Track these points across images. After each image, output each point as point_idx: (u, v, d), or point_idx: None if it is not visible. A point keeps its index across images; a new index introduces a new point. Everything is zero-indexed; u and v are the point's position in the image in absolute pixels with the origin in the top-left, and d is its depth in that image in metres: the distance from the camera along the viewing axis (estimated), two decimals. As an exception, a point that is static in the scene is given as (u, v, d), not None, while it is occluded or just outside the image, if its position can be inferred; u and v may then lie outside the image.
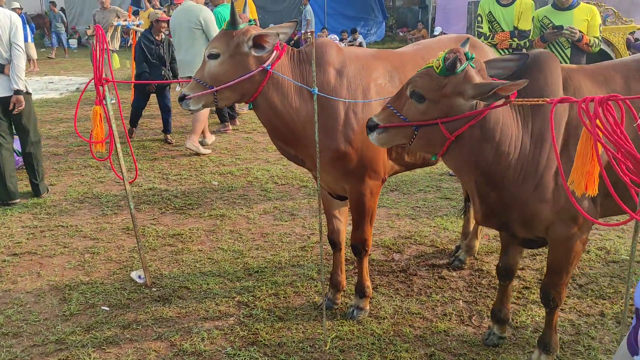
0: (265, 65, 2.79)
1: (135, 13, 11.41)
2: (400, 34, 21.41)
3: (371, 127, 2.38)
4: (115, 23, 9.31)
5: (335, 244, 3.40)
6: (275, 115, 2.89)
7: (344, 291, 3.54)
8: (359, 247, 3.23)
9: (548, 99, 2.08)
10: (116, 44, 9.77)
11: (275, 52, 2.85)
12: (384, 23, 21.48)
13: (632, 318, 1.17)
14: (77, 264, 4.06)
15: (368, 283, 3.36)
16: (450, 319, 3.31)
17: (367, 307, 3.36)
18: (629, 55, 8.04)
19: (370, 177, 3.01)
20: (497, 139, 2.31)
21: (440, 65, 2.18)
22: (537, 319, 3.26)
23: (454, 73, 2.18)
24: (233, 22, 2.81)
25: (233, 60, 2.81)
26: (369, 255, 4.11)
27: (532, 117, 2.38)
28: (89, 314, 3.42)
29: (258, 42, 2.79)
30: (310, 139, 2.87)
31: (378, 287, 3.68)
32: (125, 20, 9.59)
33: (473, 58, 2.24)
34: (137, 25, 9.92)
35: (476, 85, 2.17)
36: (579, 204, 2.32)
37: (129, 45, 10.76)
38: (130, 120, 7.79)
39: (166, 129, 7.58)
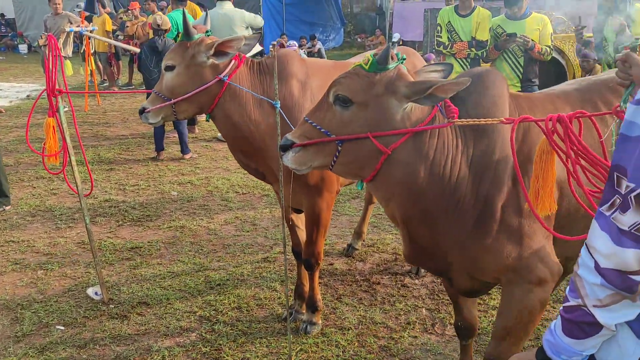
0: (222, 75, 2.76)
1: (89, 19, 11.12)
2: (359, 40, 21.58)
3: (284, 147, 1.99)
4: (67, 29, 9.04)
5: (299, 255, 3.37)
6: (233, 127, 2.86)
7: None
8: (311, 261, 3.20)
9: (505, 119, 1.90)
10: (69, 51, 9.49)
11: (233, 62, 2.82)
12: (342, 29, 21.62)
13: None
14: (30, 282, 3.90)
15: (319, 297, 3.34)
16: (413, 327, 3.32)
17: (320, 322, 3.33)
18: (579, 62, 8.32)
19: (327, 190, 3.01)
20: (431, 156, 1.97)
21: (369, 61, 1.91)
22: (498, 324, 3.31)
23: (385, 68, 1.91)
24: (187, 34, 2.79)
25: (188, 71, 2.79)
26: (332, 265, 4.11)
27: (475, 142, 2.03)
28: (43, 334, 3.28)
29: (221, 50, 2.76)
30: (270, 153, 2.85)
31: (342, 297, 3.67)
32: (78, 26, 9.33)
33: (405, 59, 1.99)
34: (91, 31, 9.68)
35: (411, 83, 1.89)
36: (544, 256, 2.05)
37: (82, 51, 10.47)
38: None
39: (182, 149, 7.04)
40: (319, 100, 2.06)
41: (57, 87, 3.19)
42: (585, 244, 1.18)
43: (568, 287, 1.23)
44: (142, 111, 2.89)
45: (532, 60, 5.35)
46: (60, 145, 3.36)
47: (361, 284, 3.84)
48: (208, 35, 2.84)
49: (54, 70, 3.14)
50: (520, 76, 5.36)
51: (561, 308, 1.25)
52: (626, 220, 1.09)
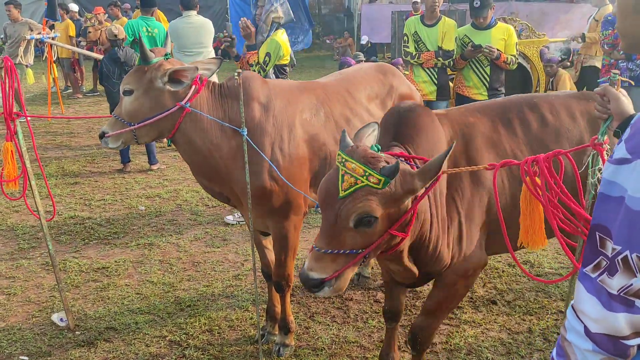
0: (183, 102, 2.70)
1: (51, 26, 10.82)
2: (327, 41, 21.59)
3: (317, 286, 1.93)
4: (28, 36, 8.79)
5: (270, 277, 3.33)
6: (195, 152, 2.81)
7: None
8: (282, 283, 3.14)
9: (489, 165, 1.98)
10: (30, 58, 9.23)
11: (193, 87, 2.76)
12: (310, 31, 21.58)
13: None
14: (-9, 308, 3.77)
15: (291, 318, 3.30)
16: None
17: (293, 343, 3.29)
18: (543, 67, 8.47)
19: (294, 212, 2.96)
20: (422, 210, 2.18)
21: (381, 180, 1.86)
22: (469, 340, 3.33)
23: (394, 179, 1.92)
24: (144, 58, 2.72)
25: (147, 96, 2.73)
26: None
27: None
28: (6, 366, 3.17)
29: (175, 77, 2.71)
30: (233, 177, 2.81)
31: (315, 315, 3.64)
32: (39, 33, 9.07)
33: (380, 149, 2.02)
34: (53, 38, 9.42)
35: (420, 174, 1.93)
36: (474, 255, 2.46)
37: (44, 58, 10.19)
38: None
39: (150, 160, 6.96)
40: (325, 229, 1.95)
41: (14, 110, 3.08)
42: (572, 307, 1.14)
43: (555, 351, 1.19)
44: (102, 135, 2.83)
45: (497, 69, 5.42)
46: (19, 169, 3.24)
47: (334, 300, 3.82)
48: (167, 59, 2.78)
49: (10, 93, 3.03)
50: (487, 85, 5.43)
51: None
52: (615, 283, 1.06)
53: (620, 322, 1.05)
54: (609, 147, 1.81)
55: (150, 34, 7.32)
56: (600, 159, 1.81)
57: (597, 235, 1.09)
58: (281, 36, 4.62)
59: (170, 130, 2.75)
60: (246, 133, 2.53)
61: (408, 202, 1.99)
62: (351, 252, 1.92)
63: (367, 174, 1.86)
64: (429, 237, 2.28)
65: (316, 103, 3.02)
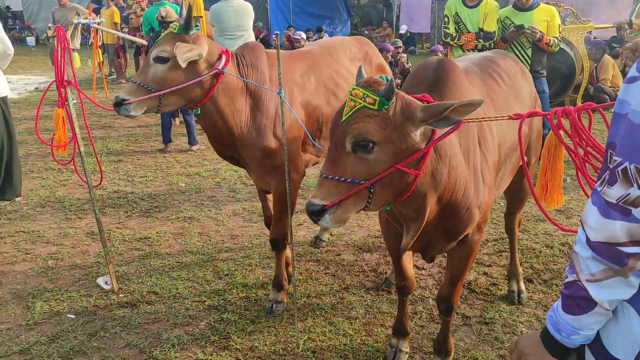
0: (219, 68, 2.83)
1: (96, 11, 11.14)
2: (366, 32, 21.51)
3: (317, 212, 1.86)
4: (75, 21, 9.08)
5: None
6: (221, 119, 2.94)
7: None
8: (278, 241, 3.31)
9: (514, 115, 1.93)
10: (77, 43, 9.54)
11: (223, 56, 2.90)
12: (349, 21, 21.56)
13: None
14: (41, 271, 3.95)
15: (285, 276, 3.48)
16: (420, 317, 3.34)
17: (285, 300, 3.45)
18: (587, 52, 8.25)
19: (293, 171, 3.13)
20: (448, 154, 2.11)
21: (376, 100, 1.85)
22: (504, 315, 3.33)
23: (391, 101, 1.87)
24: (187, 26, 2.80)
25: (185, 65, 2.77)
26: (340, 255, 4.13)
27: (459, 133, 2.18)
28: (54, 323, 3.32)
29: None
30: (245, 141, 3.00)
31: (349, 287, 3.69)
32: (85, 18, 9.36)
33: (388, 79, 1.97)
34: (99, 24, 9.71)
35: (426, 107, 1.90)
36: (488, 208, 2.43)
37: (90, 43, 10.50)
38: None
39: (190, 141, 7.19)
40: (329, 156, 1.95)
41: (65, 78, 3.22)
42: (581, 220, 1.22)
43: (568, 265, 1.27)
44: (119, 104, 2.72)
45: (539, 51, 5.33)
46: (69, 136, 3.39)
47: (368, 274, 3.86)
48: (197, 29, 2.89)
49: (62, 61, 3.17)
50: (529, 67, 5.34)
51: (562, 286, 1.29)
52: (614, 193, 1.13)
53: (617, 229, 1.12)
54: None
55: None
56: None
57: (609, 153, 1.17)
58: None
59: (201, 100, 2.84)
60: (283, 95, 2.62)
61: (416, 136, 1.92)
62: (353, 181, 1.87)
63: (365, 95, 1.87)
64: (461, 191, 2.21)
65: (307, 69, 3.23)
